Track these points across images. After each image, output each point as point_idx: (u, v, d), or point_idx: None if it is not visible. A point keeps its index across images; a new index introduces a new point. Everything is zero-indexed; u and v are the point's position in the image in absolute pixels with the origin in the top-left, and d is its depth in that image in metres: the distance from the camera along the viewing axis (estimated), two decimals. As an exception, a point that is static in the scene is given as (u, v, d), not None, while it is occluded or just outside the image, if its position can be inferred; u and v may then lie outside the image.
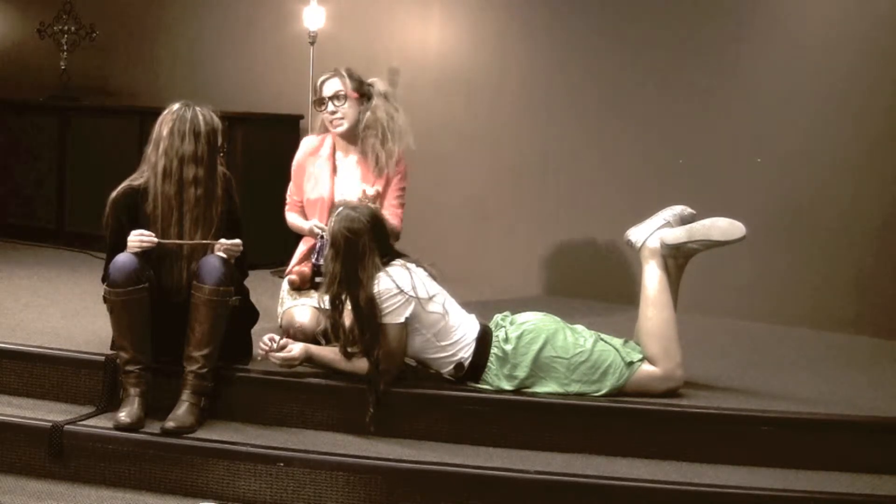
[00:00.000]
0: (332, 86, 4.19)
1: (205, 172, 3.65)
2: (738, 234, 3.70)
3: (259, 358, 3.69)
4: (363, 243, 3.54)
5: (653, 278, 3.77)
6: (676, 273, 3.83)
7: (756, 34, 5.22)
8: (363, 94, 4.21)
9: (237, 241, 3.66)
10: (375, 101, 4.20)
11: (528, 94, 5.77)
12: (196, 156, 3.63)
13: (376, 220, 3.63)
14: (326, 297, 3.61)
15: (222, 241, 3.63)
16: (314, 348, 3.69)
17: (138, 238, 3.57)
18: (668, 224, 3.82)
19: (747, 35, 5.23)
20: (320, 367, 3.69)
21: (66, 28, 6.78)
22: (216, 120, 3.72)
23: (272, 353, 3.63)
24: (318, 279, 4.07)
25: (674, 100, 5.39)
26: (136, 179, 3.72)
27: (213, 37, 6.62)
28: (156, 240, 3.59)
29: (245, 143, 5.76)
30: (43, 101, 6.71)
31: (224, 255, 3.61)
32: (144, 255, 3.60)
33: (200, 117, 3.67)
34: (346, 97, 4.17)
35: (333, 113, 4.17)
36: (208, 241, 3.64)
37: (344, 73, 4.21)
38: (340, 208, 3.62)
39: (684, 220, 3.83)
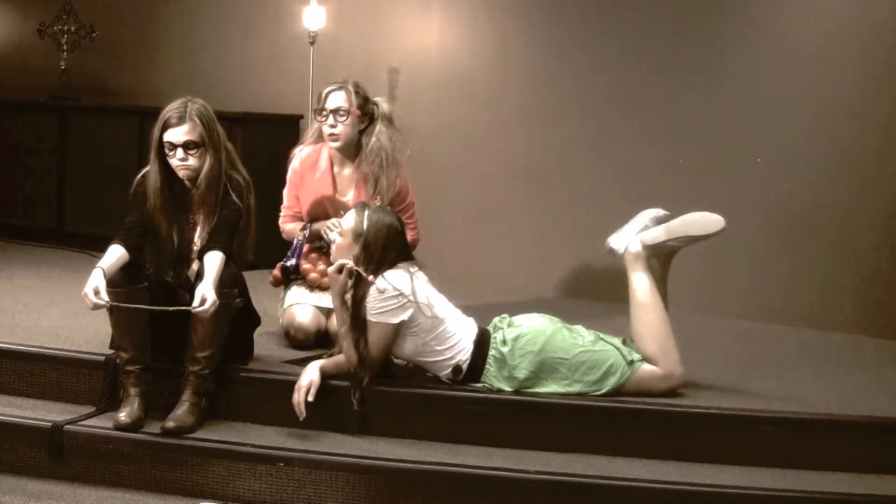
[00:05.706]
0: (336, 99, 4.09)
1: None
2: (717, 226, 3.70)
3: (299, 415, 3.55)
4: (399, 242, 3.60)
5: (640, 282, 3.78)
6: (662, 272, 3.84)
7: (758, 34, 5.21)
8: (366, 112, 4.13)
9: (207, 307, 3.40)
10: (379, 125, 4.12)
11: (528, 94, 5.77)
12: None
13: (402, 223, 3.71)
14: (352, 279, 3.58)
15: (195, 308, 3.43)
16: (321, 362, 3.62)
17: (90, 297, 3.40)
18: (645, 227, 3.84)
19: (749, 35, 5.23)
20: (333, 378, 3.62)
21: (66, 28, 6.77)
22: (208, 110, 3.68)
23: (304, 401, 3.53)
24: (291, 277, 4.12)
25: (675, 99, 5.39)
26: None
27: (213, 37, 6.62)
28: (102, 301, 3.40)
29: (245, 143, 5.74)
30: (43, 101, 6.71)
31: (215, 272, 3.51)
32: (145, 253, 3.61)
33: (191, 104, 3.65)
34: (348, 113, 4.08)
35: (333, 127, 4.09)
36: (175, 309, 3.48)
37: (351, 88, 4.10)
38: (366, 209, 3.64)
39: (660, 222, 3.84)
